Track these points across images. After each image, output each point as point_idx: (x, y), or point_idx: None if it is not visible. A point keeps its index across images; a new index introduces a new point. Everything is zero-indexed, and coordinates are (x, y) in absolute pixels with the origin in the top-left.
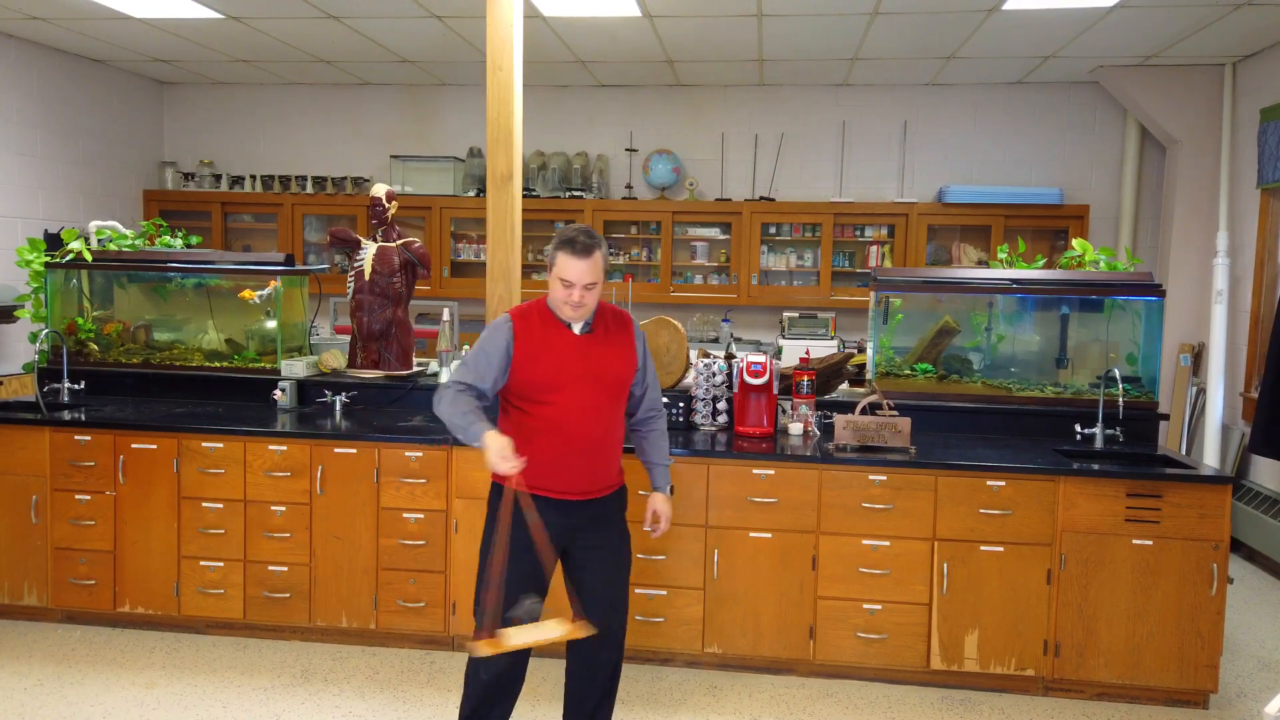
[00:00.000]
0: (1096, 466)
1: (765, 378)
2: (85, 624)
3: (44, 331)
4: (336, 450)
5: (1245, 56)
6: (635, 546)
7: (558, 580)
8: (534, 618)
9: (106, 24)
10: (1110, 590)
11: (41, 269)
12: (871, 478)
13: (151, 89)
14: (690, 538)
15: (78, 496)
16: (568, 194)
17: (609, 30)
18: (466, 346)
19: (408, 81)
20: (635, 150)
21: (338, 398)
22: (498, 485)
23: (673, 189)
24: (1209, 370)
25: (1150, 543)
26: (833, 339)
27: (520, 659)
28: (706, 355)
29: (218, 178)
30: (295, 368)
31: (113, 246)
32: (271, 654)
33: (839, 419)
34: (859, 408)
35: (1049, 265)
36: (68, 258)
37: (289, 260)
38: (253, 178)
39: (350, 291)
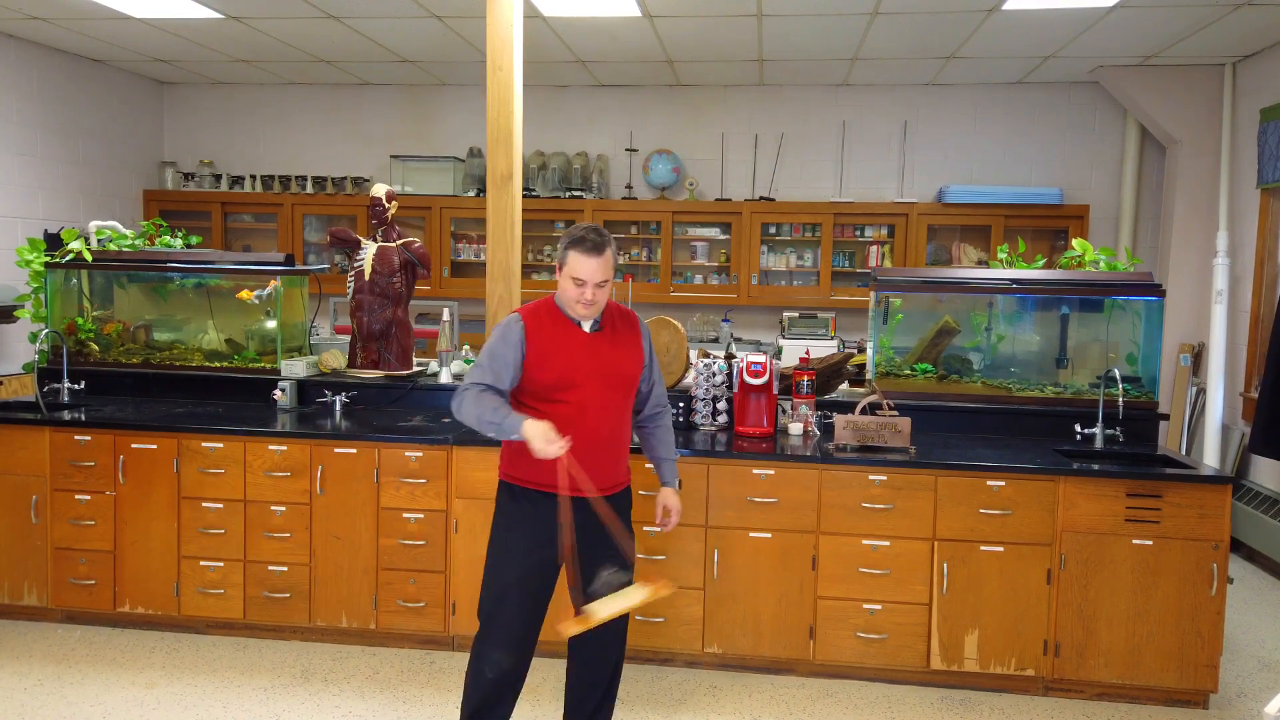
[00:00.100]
0: (1096, 466)
1: (765, 378)
2: (85, 624)
3: (44, 331)
4: (336, 450)
5: (1245, 56)
6: (636, 546)
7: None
8: (614, 588)
9: (106, 24)
10: (1110, 590)
11: (41, 269)
12: (871, 478)
13: (151, 89)
14: (690, 538)
15: (78, 496)
16: (568, 194)
17: (609, 30)
18: (467, 346)
19: (408, 81)
20: (635, 150)
21: (338, 398)
22: (505, 483)
23: (673, 189)
24: (1209, 370)
25: (1150, 543)
26: (833, 339)
27: (524, 658)
28: (706, 355)
29: (218, 178)
30: (295, 368)
31: (113, 246)
32: (271, 654)
33: (839, 419)
34: (859, 408)
35: (1049, 265)
36: (68, 258)
37: (289, 260)
38: (253, 178)
39: (350, 291)
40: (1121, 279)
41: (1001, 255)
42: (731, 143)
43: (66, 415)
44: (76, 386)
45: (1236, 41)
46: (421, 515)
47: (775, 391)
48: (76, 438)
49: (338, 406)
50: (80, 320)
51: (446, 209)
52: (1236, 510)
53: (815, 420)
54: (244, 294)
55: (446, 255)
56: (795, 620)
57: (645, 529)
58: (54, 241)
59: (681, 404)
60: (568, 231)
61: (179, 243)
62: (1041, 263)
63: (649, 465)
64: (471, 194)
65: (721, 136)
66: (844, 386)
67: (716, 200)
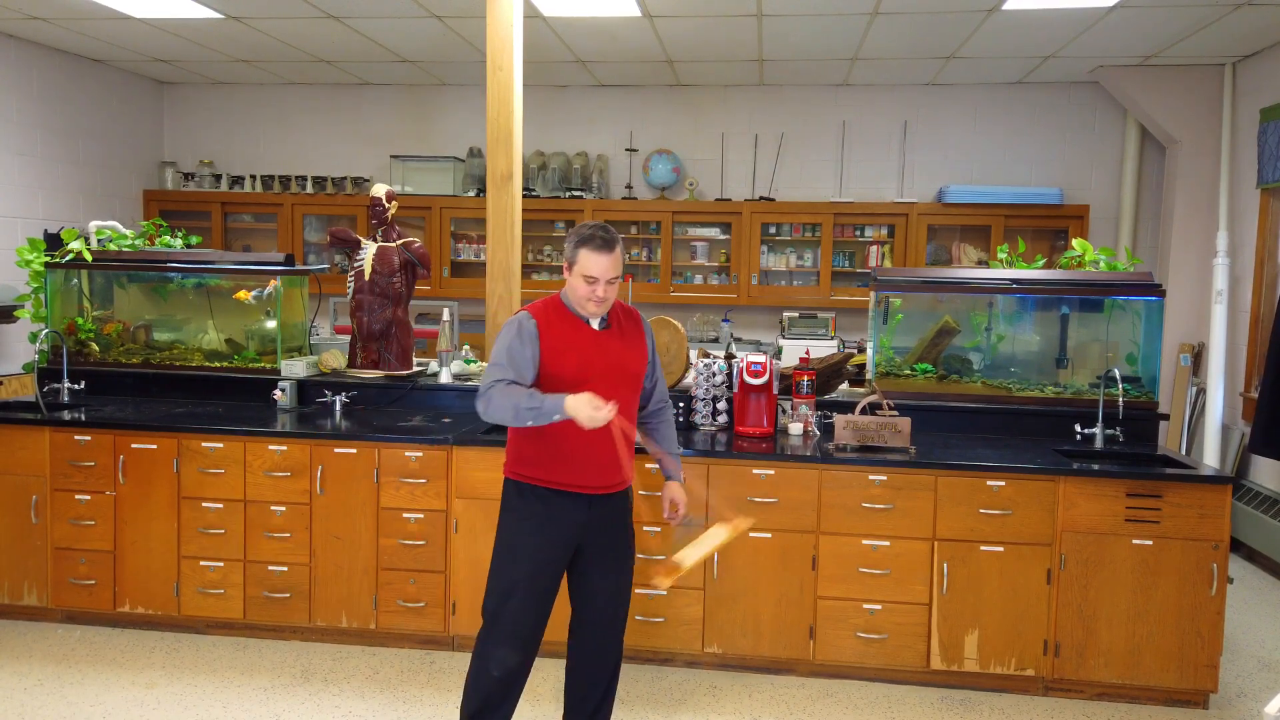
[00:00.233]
0: (1096, 466)
1: (765, 378)
2: (85, 624)
3: (44, 331)
4: (336, 450)
5: (1245, 56)
6: (636, 546)
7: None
8: (692, 527)
9: (106, 24)
10: (1110, 590)
11: (41, 269)
12: (871, 478)
13: (151, 89)
14: (689, 538)
15: (78, 496)
16: (568, 194)
17: (609, 30)
18: (466, 346)
19: (408, 81)
20: (635, 150)
21: (338, 398)
22: (513, 481)
23: (673, 189)
24: (1209, 370)
25: (1150, 543)
26: (833, 339)
27: (530, 657)
28: (706, 355)
29: (218, 178)
30: (295, 368)
31: (113, 246)
32: (271, 654)
33: (839, 419)
34: (859, 408)
35: (1049, 265)
36: (68, 258)
37: (289, 260)
38: (253, 178)
39: (350, 291)
40: (1121, 279)
41: (1001, 255)
42: (731, 143)
43: (66, 415)
44: (76, 386)
45: (1236, 41)
46: (421, 515)
47: (775, 391)
48: (76, 438)
49: (338, 406)
50: (80, 320)
51: (446, 209)
52: (1236, 510)
53: (815, 420)
54: (241, 294)
55: (446, 255)
56: (795, 620)
57: (645, 529)
58: (54, 241)
59: (681, 404)
60: (575, 230)
61: (179, 243)
62: (1041, 263)
63: (650, 466)
64: (471, 194)
65: (721, 136)
66: (844, 386)
67: (716, 200)
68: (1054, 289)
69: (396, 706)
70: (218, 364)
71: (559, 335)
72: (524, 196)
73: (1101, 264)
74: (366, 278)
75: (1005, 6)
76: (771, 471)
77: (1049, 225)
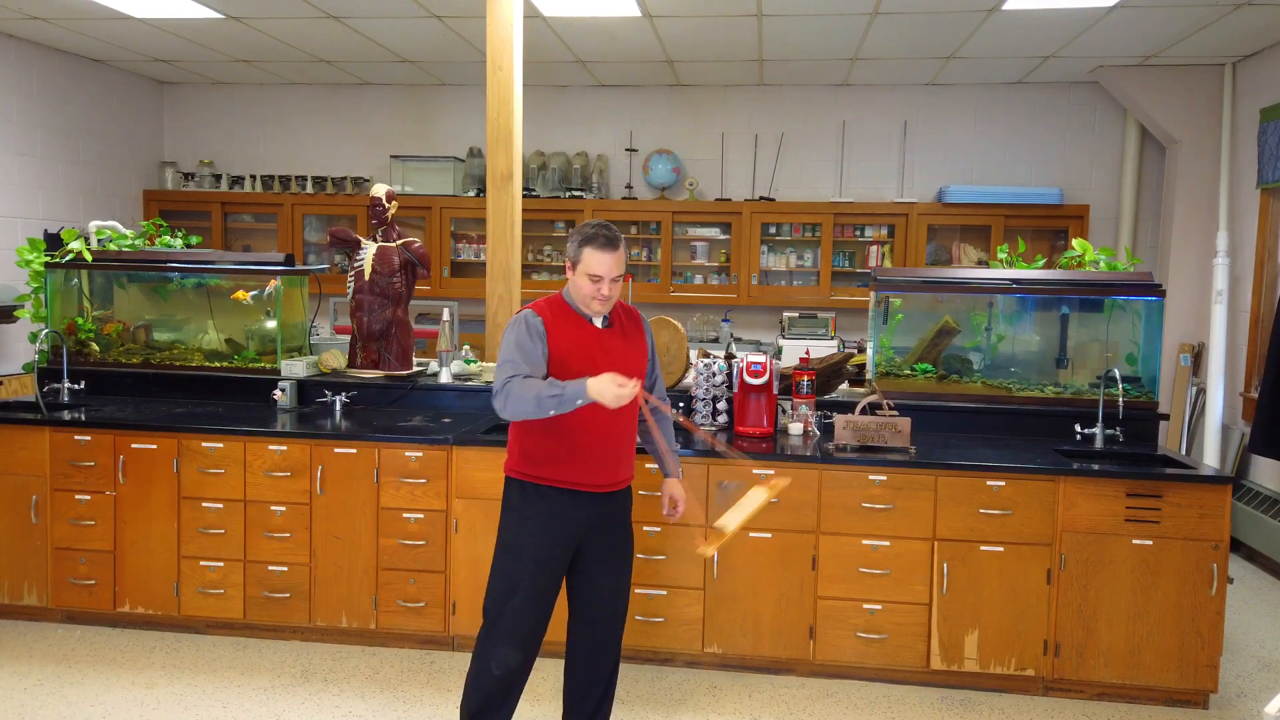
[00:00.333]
0: (1096, 466)
1: (765, 378)
2: (85, 624)
3: (44, 331)
4: (336, 450)
5: (1245, 56)
6: (635, 546)
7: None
8: (730, 491)
9: (106, 24)
10: (1110, 590)
11: (41, 269)
12: (871, 478)
13: (151, 89)
14: (690, 537)
15: (78, 496)
16: (568, 194)
17: (609, 30)
18: (467, 346)
19: (408, 81)
20: (635, 150)
21: (338, 398)
22: (515, 480)
23: (673, 189)
24: (1209, 370)
25: (1150, 543)
26: (833, 339)
27: (531, 656)
28: (706, 355)
29: (218, 178)
30: (295, 368)
31: (113, 246)
32: (271, 654)
33: (839, 419)
34: (859, 408)
35: (1049, 265)
36: (68, 258)
37: (289, 260)
38: (253, 178)
39: (350, 291)
40: (1121, 279)
41: (1001, 255)
42: (731, 143)
43: (66, 415)
44: (76, 386)
45: (1236, 41)
46: (421, 515)
47: (775, 391)
48: (76, 438)
49: (338, 406)
50: (80, 320)
51: (446, 209)
52: (1236, 510)
53: (815, 420)
54: (239, 294)
55: (446, 255)
56: (795, 620)
57: (645, 529)
58: (54, 241)
59: (681, 404)
60: (578, 229)
61: (179, 243)
62: (1041, 263)
63: (650, 466)
64: (471, 194)
65: (721, 136)
66: (844, 386)
67: (716, 200)
68: (1054, 289)
69: (396, 706)
70: (218, 364)
71: (563, 333)
72: (524, 196)
73: (1101, 264)
74: (366, 278)
75: (1005, 6)
76: (771, 471)
77: (1049, 225)
